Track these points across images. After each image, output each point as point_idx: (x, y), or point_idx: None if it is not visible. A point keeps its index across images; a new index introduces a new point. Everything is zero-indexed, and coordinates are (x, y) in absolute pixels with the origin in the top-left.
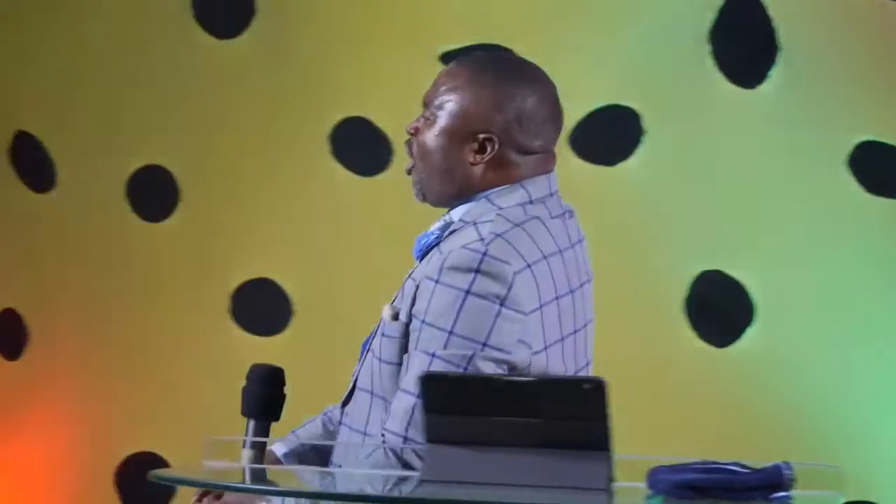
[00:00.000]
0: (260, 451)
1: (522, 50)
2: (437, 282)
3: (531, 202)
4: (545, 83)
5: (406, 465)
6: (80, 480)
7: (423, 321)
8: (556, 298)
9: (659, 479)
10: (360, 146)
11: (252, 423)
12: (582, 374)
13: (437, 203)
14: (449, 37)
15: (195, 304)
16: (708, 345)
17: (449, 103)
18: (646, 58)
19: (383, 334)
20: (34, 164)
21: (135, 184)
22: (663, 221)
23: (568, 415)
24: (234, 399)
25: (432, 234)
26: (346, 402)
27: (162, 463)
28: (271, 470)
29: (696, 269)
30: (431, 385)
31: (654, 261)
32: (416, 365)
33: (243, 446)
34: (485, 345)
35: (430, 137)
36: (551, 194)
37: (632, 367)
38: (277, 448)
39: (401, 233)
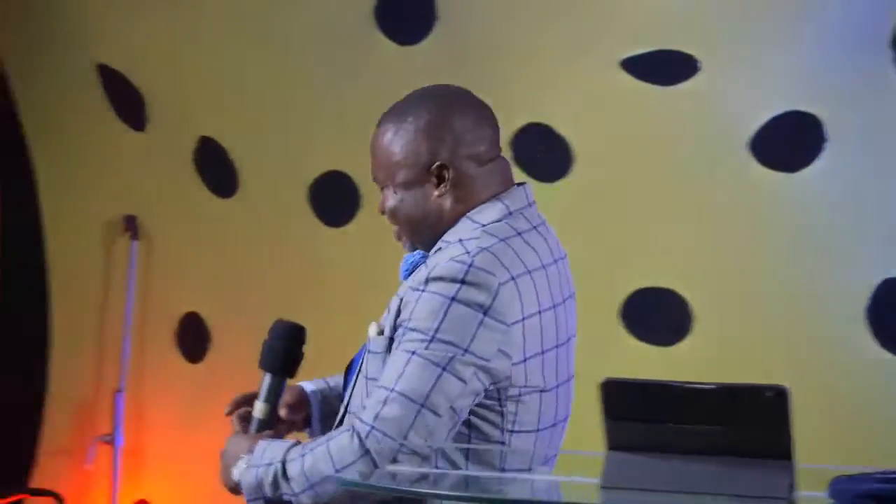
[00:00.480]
0: (274, 405)
1: (701, 56)
2: (423, 291)
3: (511, 214)
4: (462, 96)
5: (366, 452)
6: None
7: (408, 327)
8: (539, 312)
9: (841, 488)
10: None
11: (269, 377)
12: (564, 388)
13: (429, 248)
14: (629, 44)
15: (377, 308)
16: (890, 354)
17: (391, 162)
18: (826, 64)
19: (370, 351)
20: (218, 170)
21: (317, 189)
22: (845, 228)
23: (749, 422)
24: None
25: (419, 254)
26: (338, 426)
27: None
28: None
29: (879, 277)
30: (611, 391)
31: (836, 268)
32: (396, 362)
33: (257, 398)
34: (466, 350)
35: (391, 198)
36: (529, 205)
37: (810, 372)
38: (306, 384)
39: (583, 236)
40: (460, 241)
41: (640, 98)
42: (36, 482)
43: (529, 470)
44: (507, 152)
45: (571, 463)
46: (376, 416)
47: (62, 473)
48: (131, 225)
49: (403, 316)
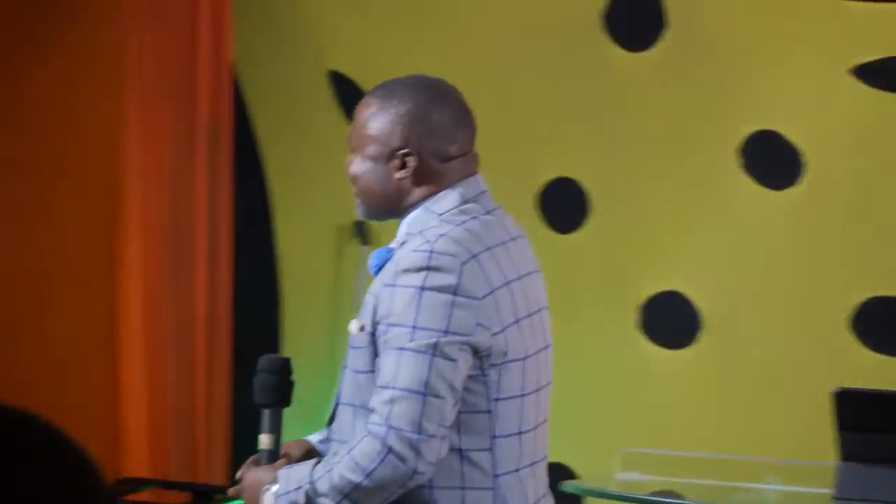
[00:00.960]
0: (278, 435)
1: None
2: (394, 286)
3: (466, 202)
4: (448, 94)
5: (389, 450)
6: None
7: (388, 323)
8: (507, 283)
9: None
10: (771, 159)
11: (267, 412)
12: (543, 354)
13: (378, 218)
14: (862, 50)
15: (604, 316)
16: None
17: (366, 134)
18: None
19: (353, 347)
20: None
21: (546, 196)
22: None
23: None
24: (641, 411)
25: (386, 249)
26: (330, 422)
27: (571, 474)
28: None
29: None
30: (844, 402)
31: None
32: (389, 361)
33: (260, 432)
34: (446, 332)
35: (357, 164)
36: (482, 192)
37: None
38: (312, 438)
39: (813, 244)
40: (421, 232)
41: (871, 105)
42: None
43: (518, 433)
44: (735, 160)
45: (799, 474)
46: (388, 416)
47: None
48: (360, 230)
49: (381, 312)
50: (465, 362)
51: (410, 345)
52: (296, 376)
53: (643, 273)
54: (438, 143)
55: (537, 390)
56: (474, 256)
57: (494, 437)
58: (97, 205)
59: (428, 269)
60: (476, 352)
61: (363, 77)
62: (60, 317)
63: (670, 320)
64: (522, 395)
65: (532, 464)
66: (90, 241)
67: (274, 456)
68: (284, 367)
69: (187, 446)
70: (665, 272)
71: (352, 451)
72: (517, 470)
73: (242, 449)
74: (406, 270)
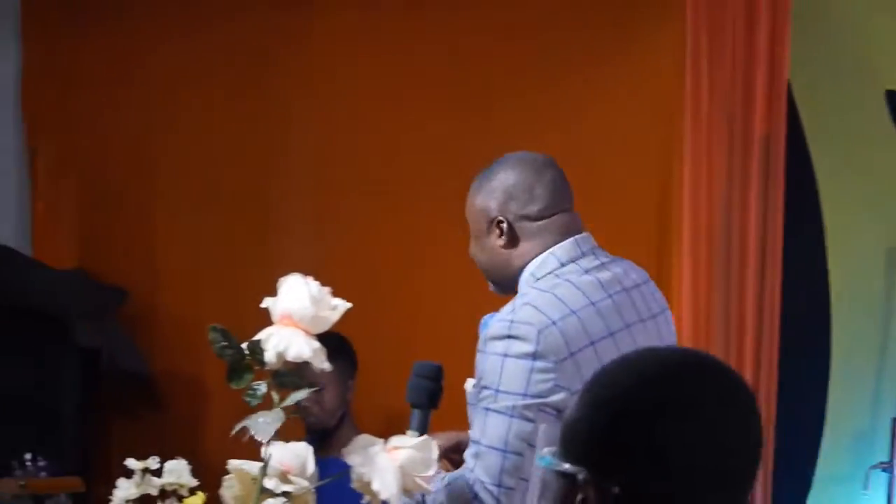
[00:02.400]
0: (421, 434)
1: None
2: (483, 352)
3: (562, 265)
4: (524, 160)
5: (475, 497)
6: None
7: (480, 386)
8: (592, 343)
9: None
10: None
11: (417, 412)
12: None
13: (504, 292)
14: None
15: None
16: None
17: (470, 214)
18: None
19: (469, 403)
20: None
21: None
22: None
23: None
24: None
25: (490, 316)
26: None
27: None
28: None
29: None
30: None
31: None
32: (478, 419)
33: (409, 430)
34: (524, 395)
35: (472, 247)
36: (583, 254)
37: None
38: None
39: None
40: (513, 300)
41: None
42: None
43: None
44: None
45: None
46: (474, 468)
47: (837, 501)
48: None
49: (478, 375)
50: (543, 422)
51: (494, 405)
52: None
53: None
54: (521, 206)
55: None
56: (553, 323)
57: None
58: (646, 215)
59: (509, 337)
60: (558, 411)
61: None
62: None
63: None
64: None
65: None
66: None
67: None
68: (437, 375)
69: None
70: None
71: (448, 488)
72: None
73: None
74: (492, 338)
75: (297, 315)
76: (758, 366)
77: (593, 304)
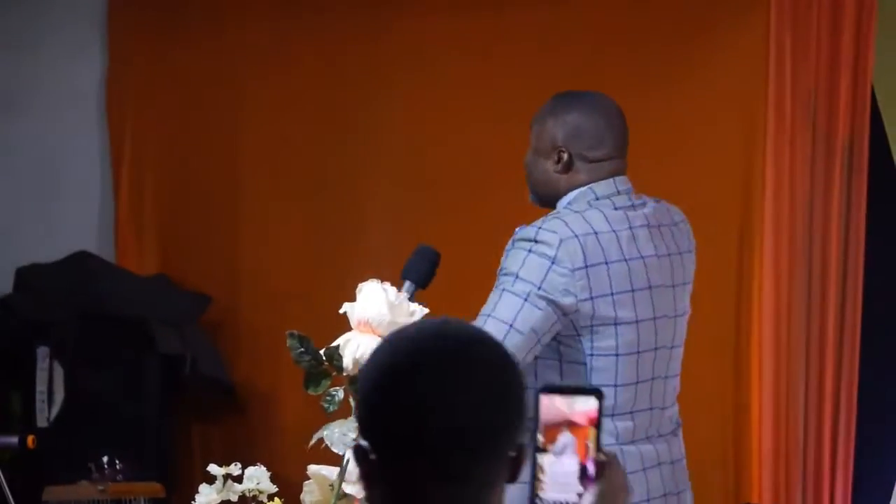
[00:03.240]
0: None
1: None
2: (510, 249)
3: (597, 199)
4: (600, 104)
5: None
6: None
7: (501, 273)
8: (606, 263)
9: None
10: None
11: (408, 284)
12: (664, 321)
13: (543, 205)
14: None
15: None
16: None
17: (539, 131)
18: None
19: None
20: None
21: None
22: None
23: None
24: None
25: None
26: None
27: None
28: None
29: None
30: None
31: None
32: (492, 298)
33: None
34: (539, 287)
35: (528, 156)
36: (618, 192)
37: None
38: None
39: None
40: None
41: None
42: None
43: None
44: None
45: None
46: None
47: None
48: None
49: (501, 266)
50: (548, 314)
51: (511, 288)
52: None
53: None
54: (584, 147)
55: (638, 352)
56: (576, 236)
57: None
58: (728, 218)
59: (535, 241)
60: (562, 311)
61: None
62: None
63: None
64: (617, 355)
65: (650, 409)
66: (714, 261)
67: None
68: (436, 259)
69: (811, 473)
70: None
71: None
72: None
73: (867, 475)
74: (521, 239)
75: (374, 321)
76: (839, 368)
77: (614, 231)
